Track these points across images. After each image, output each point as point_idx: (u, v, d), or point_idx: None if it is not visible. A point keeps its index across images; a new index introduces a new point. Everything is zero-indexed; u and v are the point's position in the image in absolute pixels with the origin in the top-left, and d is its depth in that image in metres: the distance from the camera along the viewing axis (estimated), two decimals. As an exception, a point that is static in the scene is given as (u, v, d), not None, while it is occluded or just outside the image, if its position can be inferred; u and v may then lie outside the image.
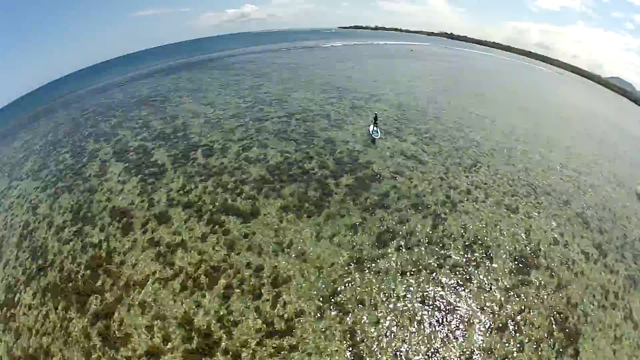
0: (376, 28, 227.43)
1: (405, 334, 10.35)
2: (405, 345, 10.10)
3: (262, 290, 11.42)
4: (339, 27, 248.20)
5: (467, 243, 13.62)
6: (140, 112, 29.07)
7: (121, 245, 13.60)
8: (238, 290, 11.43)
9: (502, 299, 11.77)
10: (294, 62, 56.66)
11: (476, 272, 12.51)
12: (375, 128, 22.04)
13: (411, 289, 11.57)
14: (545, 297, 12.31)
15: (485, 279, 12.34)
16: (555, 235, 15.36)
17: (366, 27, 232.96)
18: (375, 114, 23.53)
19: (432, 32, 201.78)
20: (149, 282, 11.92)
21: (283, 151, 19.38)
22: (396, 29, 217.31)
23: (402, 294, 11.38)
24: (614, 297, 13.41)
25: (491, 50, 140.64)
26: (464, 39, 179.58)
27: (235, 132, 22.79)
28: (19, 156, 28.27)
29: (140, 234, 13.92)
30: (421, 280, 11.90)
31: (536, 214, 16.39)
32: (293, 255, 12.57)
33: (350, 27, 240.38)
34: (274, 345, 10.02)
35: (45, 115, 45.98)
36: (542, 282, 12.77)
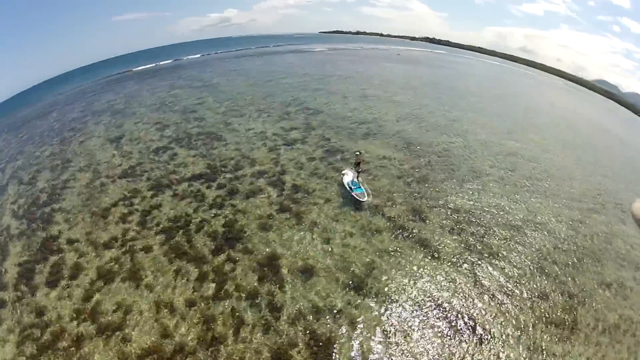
0: (357, 33, 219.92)
1: None
2: None
3: None
4: (320, 32, 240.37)
5: None
6: (45, 151, 22.59)
7: None
8: None
9: None
10: (261, 69, 45.56)
11: None
12: (356, 180, 13.38)
13: None
14: None
15: None
16: None
17: (347, 32, 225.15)
18: (357, 153, 13.61)
19: (414, 37, 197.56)
20: None
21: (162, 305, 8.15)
22: (378, 34, 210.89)
23: None
24: None
25: (475, 55, 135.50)
26: (446, 43, 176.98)
27: (108, 223, 12.39)
28: None
29: None
30: None
31: None
32: None
33: (331, 32, 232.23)
34: None
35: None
36: None
